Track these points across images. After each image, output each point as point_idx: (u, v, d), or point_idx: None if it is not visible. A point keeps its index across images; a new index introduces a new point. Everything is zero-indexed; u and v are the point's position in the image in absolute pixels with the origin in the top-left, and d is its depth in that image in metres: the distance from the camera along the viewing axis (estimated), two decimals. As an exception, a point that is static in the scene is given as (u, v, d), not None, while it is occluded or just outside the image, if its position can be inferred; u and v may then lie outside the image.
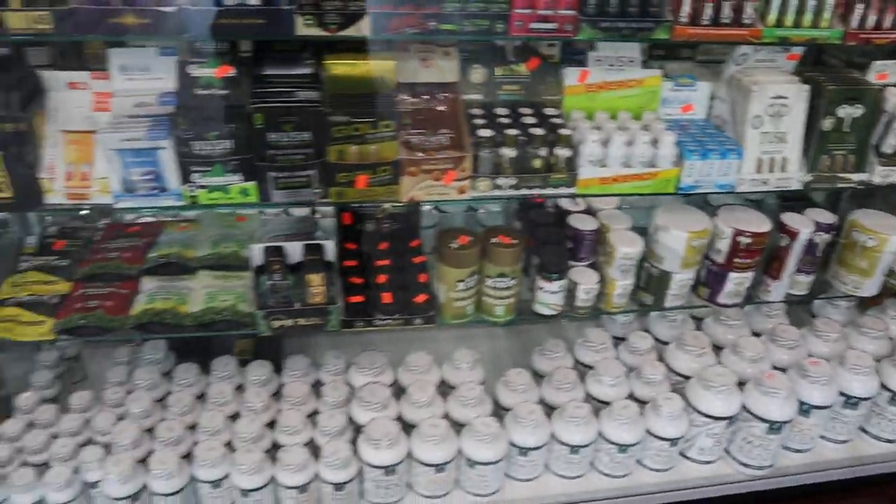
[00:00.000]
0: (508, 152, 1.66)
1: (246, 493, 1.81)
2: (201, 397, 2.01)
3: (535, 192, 1.71)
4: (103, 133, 1.53)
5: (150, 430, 1.90)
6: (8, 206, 1.58)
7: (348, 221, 1.98)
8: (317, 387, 2.04)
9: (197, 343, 2.13)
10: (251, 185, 1.60)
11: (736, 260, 1.90)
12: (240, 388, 2.03)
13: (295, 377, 2.03)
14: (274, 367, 2.06)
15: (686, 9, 1.62)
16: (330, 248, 1.78)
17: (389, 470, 1.84)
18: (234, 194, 1.60)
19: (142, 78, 1.62)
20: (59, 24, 1.48)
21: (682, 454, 2.03)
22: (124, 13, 1.48)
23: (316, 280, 1.75)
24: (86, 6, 1.47)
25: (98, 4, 1.47)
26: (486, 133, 1.66)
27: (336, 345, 2.18)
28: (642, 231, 1.94)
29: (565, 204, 1.99)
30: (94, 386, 2.09)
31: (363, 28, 1.52)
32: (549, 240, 1.88)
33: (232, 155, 1.56)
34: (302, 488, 1.82)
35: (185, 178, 1.57)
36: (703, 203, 2.18)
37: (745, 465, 2.03)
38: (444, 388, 2.04)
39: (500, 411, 1.99)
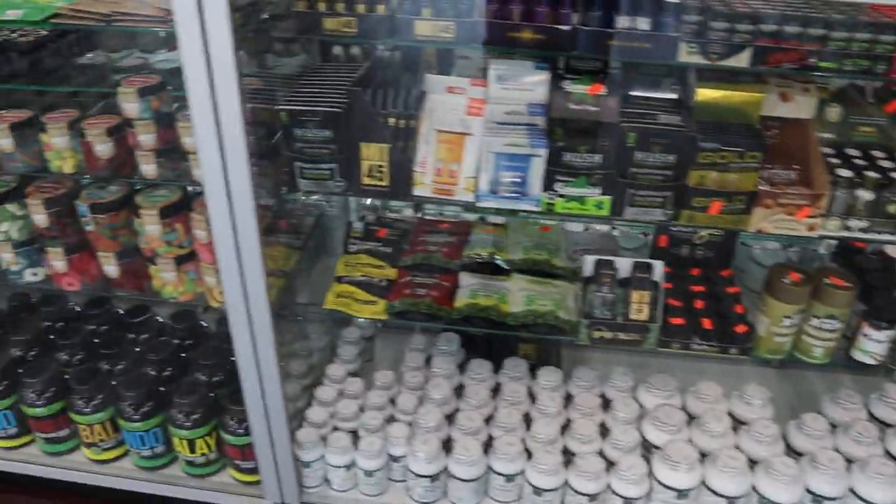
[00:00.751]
0: (865, 195, 1.63)
1: (539, 491, 1.88)
2: (492, 393, 2.10)
3: (885, 237, 1.68)
4: (487, 136, 1.64)
5: (447, 417, 2.02)
6: (383, 193, 1.73)
7: (663, 244, 2.01)
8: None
9: (484, 341, 2.24)
10: (607, 198, 1.66)
11: None
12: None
13: (583, 388, 2.08)
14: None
15: None
16: (659, 268, 1.82)
17: (683, 494, 1.84)
18: (589, 206, 1.67)
19: (515, 88, 1.72)
20: (460, 34, 1.61)
21: None
22: (523, 28, 1.59)
23: (643, 297, 1.79)
24: (490, 19, 1.60)
25: (500, 18, 1.60)
26: (845, 173, 1.65)
27: (596, 361, 2.23)
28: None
29: (892, 252, 1.93)
30: (380, 366, 2.24)
31: (743, 59, 1.55)
32: (881, 287, 1.83)
33: (598, 169, 1.63)
34: (593, 496, 1.87)
35: (548, 186, 1.66)
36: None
37: None
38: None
39: (790, 454, 1.95)
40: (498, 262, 2.01)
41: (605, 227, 2.31)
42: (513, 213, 1.73)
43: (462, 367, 2.18)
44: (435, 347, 2.21)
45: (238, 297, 1.68)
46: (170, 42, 2.42)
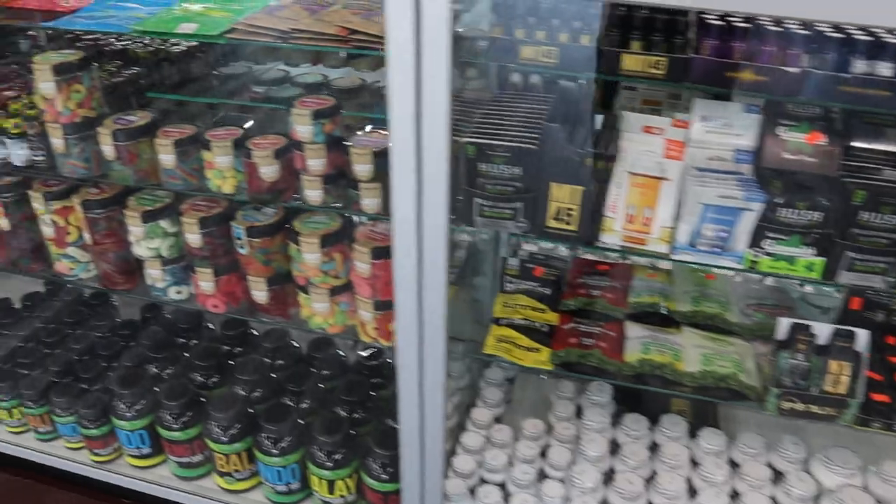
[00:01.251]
0: None
1: (707, 570, 1.72)
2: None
3: None
4: (695, 184, 1.50)
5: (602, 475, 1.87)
6: (569, 238, 1.60)
7: (856, 307, 1.84)
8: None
9: (635, 392, 2.09)
10: (820, 260, 1.50)
11: None
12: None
13: (750, 456, 1.91)
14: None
15: None
16: (863, 337, 1.65)
17: (874, 589, 1.67)
18: (799, 267, 1.52)
19: (721, 132, 1.59)
20: (671, 71, 1.49)
21: None
22: (743, 68, 1.45)
23: (843, 368, 1.62)
24: (705, 57, 1.47)
25: (719, 56, 1.47)
26: None
27: (750, 422, 2.04)
28: None
29: None
30: (520, 408, 2.12)
31: None
32: None
33: (815, 228, 1.47)
34: (768, 582, 1.70)
35: (755, 243, 1.51)
36: None
37: None
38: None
39: None
40: (667, 313, 1.87)
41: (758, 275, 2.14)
42: (710, 267, 1.58)
43: (614, 419, 2.03)
44: (585, 397, 2.07)
45: (412, 336, 1.57)
46: (312, 56, 2.36)
